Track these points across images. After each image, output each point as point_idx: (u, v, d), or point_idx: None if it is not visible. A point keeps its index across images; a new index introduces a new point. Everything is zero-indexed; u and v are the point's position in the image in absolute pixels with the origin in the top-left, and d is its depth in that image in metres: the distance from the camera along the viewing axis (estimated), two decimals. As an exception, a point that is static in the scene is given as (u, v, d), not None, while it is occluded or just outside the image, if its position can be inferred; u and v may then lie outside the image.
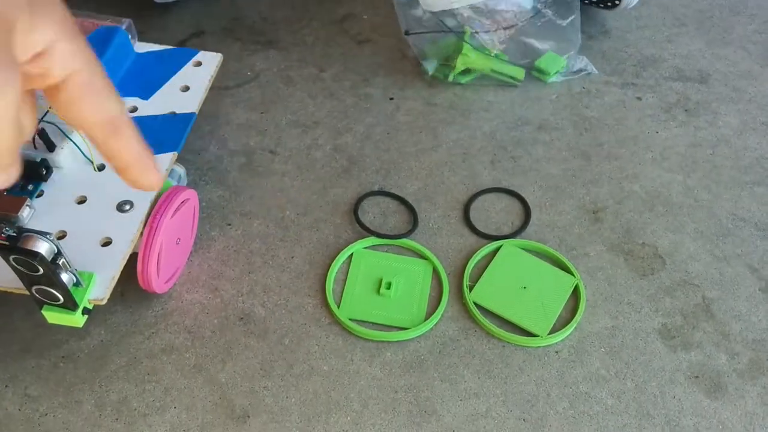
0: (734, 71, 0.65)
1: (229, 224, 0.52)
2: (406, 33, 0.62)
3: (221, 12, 0.68)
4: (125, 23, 0.51)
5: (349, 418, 0.42)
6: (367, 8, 0.69)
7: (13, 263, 0.35)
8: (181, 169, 0.50)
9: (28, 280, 0.36)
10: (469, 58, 0.61)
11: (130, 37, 0.51)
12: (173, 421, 0.42)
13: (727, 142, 0.59)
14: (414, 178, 0.55)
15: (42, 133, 0.44)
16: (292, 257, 0.50)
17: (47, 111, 0.45)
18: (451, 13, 0.61)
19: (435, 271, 0.49)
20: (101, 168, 0.45)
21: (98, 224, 0.42)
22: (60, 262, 0.36)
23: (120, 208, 0.43)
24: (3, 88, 0.25)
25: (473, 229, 0.52)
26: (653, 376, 0.44)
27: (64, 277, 0.36)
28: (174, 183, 0.48)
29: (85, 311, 0.38)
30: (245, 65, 0.63)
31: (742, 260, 0.51)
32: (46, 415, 0.42)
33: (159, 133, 0.47)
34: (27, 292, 0.38)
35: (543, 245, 0.51)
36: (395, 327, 0.46)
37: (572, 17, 0.62)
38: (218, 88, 0.61)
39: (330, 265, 0.49)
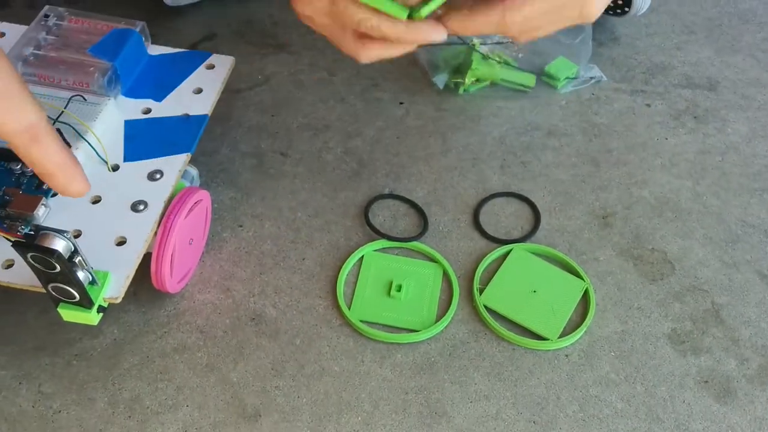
0: (743, 79, 0.65)
1: (241, 226, 0.52)
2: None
3: (233, 15, 0.69)
4: (139, 26, 0.52)
5: (359, 418, 0.43)
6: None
7: (31, 260, 0.35)
8: (194, 171, 0.50)
9: (45, 278, 0.37)
10: (478, 71, 0.61)
11: (143, 39, 0.52)
12: (185, 419, 0.42)
13: (736, 149, 0.59)
14: (424, 182, 0.56)
15: (57, 133, 0.44)
16: (303, 259, 0.50)
17: (62, 111, 0.46)
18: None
19: (445, 274, 0.50)
20: (115, 168, 0.46)
21: (113, 224, 0.42)
22: (76, 260, 0.36)
23: (134, 208, 0.43)
24: None
25: (483, 233, 0.52)
26: (663, 381, 0.45)
27: (80, 275, 0.37)
28: (187, 184, 0.48)
29: (100, 309, 0.39)
30: (256, 68, 0.64)
31: (752, 266, 0.51)
32: (60, 412, 0.42)
33: (172, 134, 0.48)
34: (42, 290, 0.38)
35: (553, 249, 0.51)
36: (406, 329, 0.47)
37: (582, 35, 0.62)
38: (230, 91, 0.62)
39: (341, 267, 0.49)
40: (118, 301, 0.39)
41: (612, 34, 0.68)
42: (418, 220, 0.53)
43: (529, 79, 0.62)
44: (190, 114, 0.49)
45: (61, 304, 0.38)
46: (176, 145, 0.47)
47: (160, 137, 0.48)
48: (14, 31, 0.51)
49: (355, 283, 0.49)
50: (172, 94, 0.51)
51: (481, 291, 0.48)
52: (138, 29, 0.51)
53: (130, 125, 0.48)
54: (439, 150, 0.58)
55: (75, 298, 0.37)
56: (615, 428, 0.42)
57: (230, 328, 0.46)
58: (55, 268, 0.35)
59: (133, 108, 0.49)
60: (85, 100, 0.48)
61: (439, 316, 0.47)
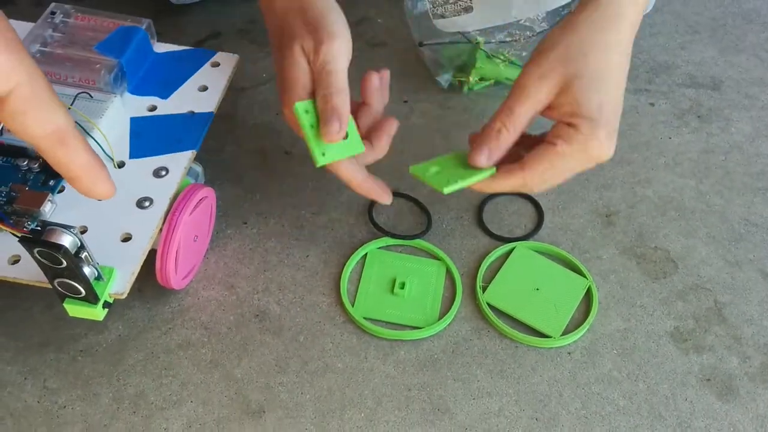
0: (747, 78, 0.65)
1: (245, 223, 0.52)
2: (420, 44, 0.62)
3: (238, 14, 0.69)
4: (145, 23, 0.52)
5: (363, 414, 0.43)
6: (381, 12, 0.70)
7: (37, 256, 0.36)
8: (199, 168, 0.51)
9: (52, 273, 0.37)
10: (482, 70, 0.61)
11: (149, 37, 0.52)
12: (189, 414, 0.42)
13: (739, 148, 0.59)
14: (427, 180, 0.56)
15: (64, 130, 0.44)
16: (307, 256, 0.51)
17: (68, 108, 0.46)
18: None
19: (448, 272, 0.50)
20: (121, 165, 0.46)
21: (118, 220, 0.43)
22: (83, 256, 0.36)
23: (140, 204, 0.43)
24: None
25: (486, 231, 0.52)
26: (665, 378, 0.45)
27: (87, 270, 0.37)
28: (192, 181, 0.48)
29: (106, 305, 0.39)
30: (260, 67, 0.64)
31: (755, 265, 0.51)
32: (65, 407, 0.43)
33: (178, 131, 0.48)
34: (48, 286, 0.38)
35: (556, 248, 0.51)
36: (409, 326, 0.47)
37: None
38: (234, 89, 0.62)
39: (344, 265, 0.50)
40: (124, 296, 0.39)
41: (616, 34, 0.68)
42: (422, 218, 0.53)
43: (533, 78, 0.62)
44: (196, 111, 0.50)
45: (66, 299, 0.38)
46: (181, 143, 0.47)
47: (166, 134, 0.48)
48: (21, 28, 0.52)
49: (359, 280, 0.49)
50: (177, 91, 0.51)
51: (484, 289, 0.48)
52: (144, 27, 0.52)
53: (135, 122, 0.49)
54: (443, 148, 0.58)
55: (81, 293, 0.37)
56: (617, 426, 0.42)
57: (234, 324, 0.47)
58: (61, 263, 0.35)
59: (139, 105, 0.50)
60: (92, 97, 0.48)
61: (442, 314, 0.47)
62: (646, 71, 0.65)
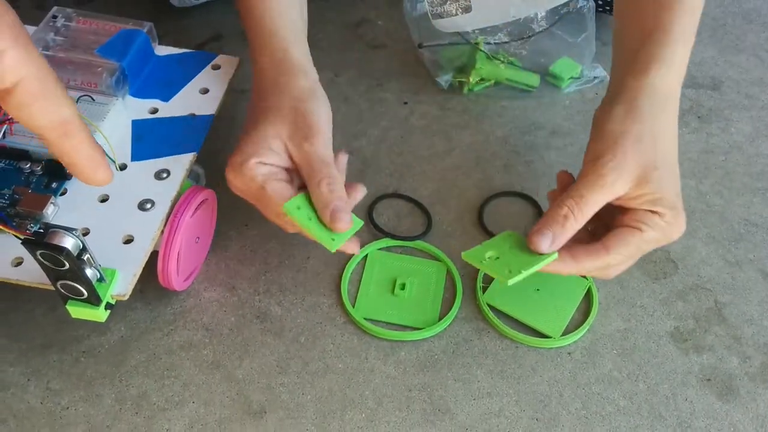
0: (747, 78, 0.65)
1: (246, 225, 0.53)
2: (419, 46, 0.63)
3: (239, 16, 0.69)
4: (146, 26, 0.52)
5: (363, 415, 0.43)
6: (381, 14, 0.70)
7: (40, 258, 0.36)
8: (200, 170, 0.51)
9: (54, 275, 0.37)
10: (482, 70, 0.62)
11: (151, 40, 0.53)
12: (191, 415, 0.43)
13: (739, 148, 0.59)
14: (428, 181, 0.56)
15: (66, 133, 0.45)
16: (308, 258, 0.51)
17: (71, 111, 0.46)
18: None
19: (449, 273, 0.50)
20: (123, 168, 0.46)
21: (120, 222, 0.43)
22: (85, 258, 0.37)
23: (141, 206, 0.44)
24: None
25: (487, 231, 0.53)
26: (665, 379, 0.45)
27: (89, 272, 0.37)
28: (193, 183, 0.49)
29: (108, 306, 0.39)
30: (262, 69, 0.64)
31: (755, 265, 0.51)
32: (68, 408, 0.43)
33: (179, 134, 0.48)
34: (50, 288, 0.39)
35: (556, 248, 0.51)
36: (409, 327, 0.47)
37: (585, 34, 0.63)
38: (235, 91, 0.62)
39: (345, 266, 0.50)
40: (126, 298, 0.39)
41: (616, 34, 0.68)
42: (422, 219, 0.54)
43: (533, 79, 0.62)
44: (197, 114, 0.50)
45: (69, 301, 0.39)
46: (183, 145, 0.48)
47: (167, 137, 0.48)
48: (23, 32, 0.52)
49: (359, 281, 0.49)
50: (178, 94, 0.51)
51: (484, 289, 0.49)
52: (145, 30, 0.52)
53: (137, 125, 0.49)
54: (443, 149, 0.59)
55: (83, 295, 0.38)
56: (617, 426, 0.43)
57: (236, 325, 0.47)
58: (64, 265, 0.36)
59: (141, 108, 0.50)
60: (94, 100, 0.48)
61: (443, 314, 0.48)
62: (645, 72, 0.65)
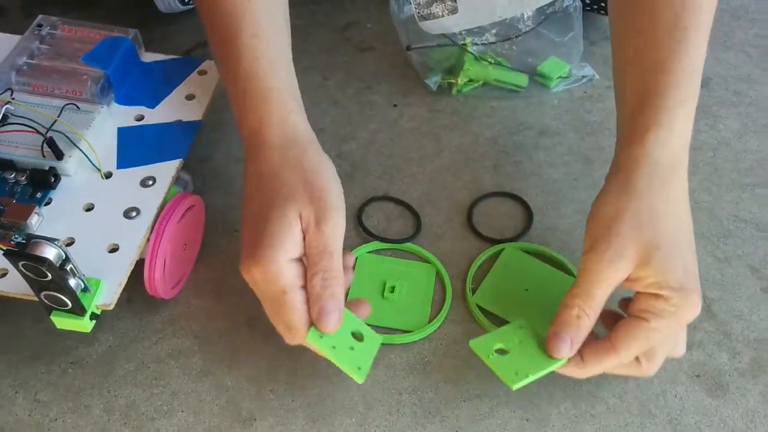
0: (735, 75, 0.65)
1: (236, 230, 0.52)
2: (408, 48, 0.63)
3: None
4: (131, 33, 0.52)
5: (353, 419, 0.43)
6: (369, 16, 0.70)
7: (22, 269, 0.36)
8: (187, 176, 0.51)
9: (37, 286, 0.37)
10: (470, 71, 0.62)
11: (136, 47, 0.52)
12: (180, 424, 0.42)
13: (727, 144, 0.59)
14: (417, 183, 0.56)
15: (50, 142, 0.45)
16: (297, 262, 0.51)
17: (55, 120, 0.46)
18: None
19: (438, 275, 0.50)
20: (108, 176, 0.46)
21: (105, 231, 0.43)
22: (68, 268, 0.37)
23: (127, 215, 0.44)
24: None
25: (476, 232, 0.53)
26: (655, 376, 0.44)
27: (72, 282, 0.37)
28: (180, 190, 0.48)
29: (93, 316, 0.39)
30: (249, 74, 0.64)
31: (743, 261, 0.51)
32: (56, 420, 0.43)
33: (165, 141, 0.48)
34: (36, 299, 0.39)
35: (545, 248, 0.51)
36: (399, 330, 0.47)
37: (572, 33, 0.63)
38: (222, 97, 0.61)
39: (334, 270, 0.50)
40: (111, 308, 0.39)
41: (604, 33, 0.68)
42: (412, 221, 0.54)
43: (522, 79, 0.62)
44: (183, 120, 0.50)
45: (53, 311, 0.38)
46: (169, 152, 0.48)
47: (153, 144, 0.48)
48: (8, 40, 0.52)
49: (349, 285, 0.49)
50: (165, 100, 0.51)
51: (473, 291, 0.49)
52: (131, 37, 0.52)
53: (123, 132, 0.49)
54: (433, 151, 0.59)
55: (67, 305, 0.38)
56: (607, 424, 0.43)
57: (225, 333, 0.47)
58: (46, 276, 0.35)
59: (126, 115, 0.50)
60: (79, 108, 0.48)
61: (432, 317, 0.47)
62: (633, 69, 0.65)
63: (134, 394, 0.44)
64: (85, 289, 0.38)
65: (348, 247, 0.51)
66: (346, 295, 0.44)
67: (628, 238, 0.38)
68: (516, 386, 0.39)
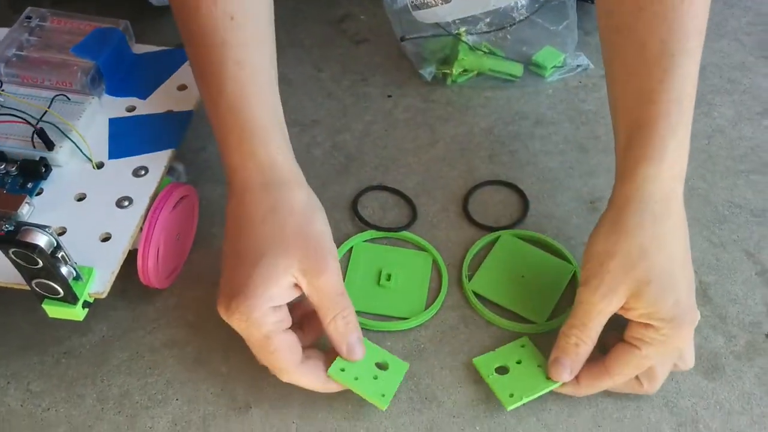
0: (728, 63, 0.65)
1: (229, 221, 0.52)
2: (402, 39, 0.62)
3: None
4: (122, 25, 0.52)
5: (350, 406, 0.42)
6: (364, 9, 0.70)
7: (13, 257, 0.35)
8: (180, 167, 0.50)
9: (28, 274, 0.37)
10: (465, 61, 0.61)
11: (127, 38, 0.52)
12: (175, 413, 0.42)
13: (722, 132, 0.59)
14: (412, 173, 0.56)
15: (41, 133, 0.44)
16: (292, 252, 0.50)
17: (46, 111, 0.46)
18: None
19: (434, 263, 0.50)
20: (100, 166, 0.46)
21: (98, 220, 0.42)
22: (59, 255, 0.36)
23: (119, 204, 0.43)
24: None
25: (472, 221, 0.52)
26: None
27: (64, 270, 0.37)
28: (174, 180, 0.48)
29: (86, 305, 0.39)
30: (243, 66, 0.64)
31: (739, 245, 0.51)
32: (49, 410, 0.42)
33: (157, 131, 0.48)
34: (26, 288, 0.38)
35: (541, 235, 0.51)
36: (396, 317, 0.47)
37: (566, 22, 0.63)
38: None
39: (329, 259, 0.49)
40: (104, 296, 0.39)
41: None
42: (407, 210, 0.53)
43: (517, 69, 0.62)
44: (175, 110, 0.49)
45: (45, 300, 0.38)
46: (161, 142, 0.47)
47: (145, 134, 0.48)
48: (-3, 33, 0.52)
49: (345, 273, 0.49)
50: (156, 91, 0.51)
51: (469, 278, 0.48)
52: (121, 28, 0.52)
53: (114, 123, 0.49)
54: (428, 141, 0.58)
55: (59, 293, 0.37)
56: (604, 407, 0.42)
57: (219, 323, 0.46)
58: (37, 263, 0.35)
59: (118, 106, 0.50)
60: (69, 99, 0.48)
61: (429, 304, 0.47)
62: (627, 58, 0.65)
63: (128, 383, 0.43)
64: (77, 278, 0.38)
65: (343, 236, 0.51)
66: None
67: (619, 276, 0.39)
68: (510, 407, 0.41)
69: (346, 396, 0.43)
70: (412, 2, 0.59)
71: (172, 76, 0.52)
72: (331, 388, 0.41)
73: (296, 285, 0.39)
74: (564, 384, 0.41)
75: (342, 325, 0.40)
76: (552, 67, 0.63)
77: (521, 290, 0.48)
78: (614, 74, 0.44)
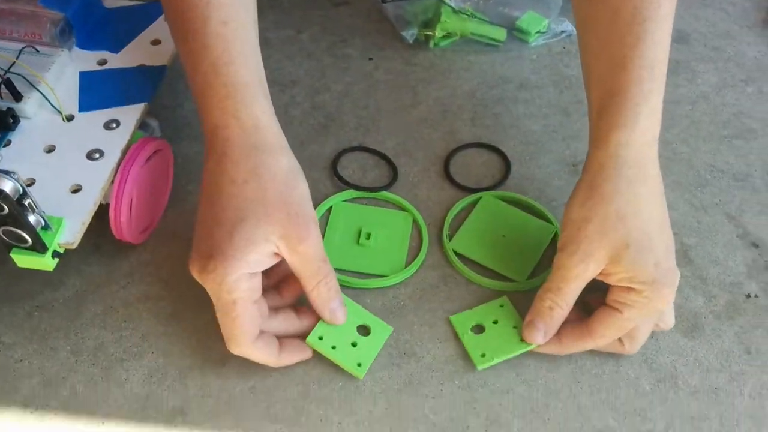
0: (713, 31, 0.65)
1: (205, 179, 0.51)
2: (384, 1, 0.61)
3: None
4: (92, -24, 0.50)
5: (328, 362, 0.42)
6: (344, -29, 0.68)
7: (-22, 203, 0.34)
8: (154, 122, 0.49)
9: (-5, 221, 0.35)
10: (448, 24, 0.60)
11: (99, -9, 0.51)
12: (150, 365, 0.41)
13: (705, 98, 0.59)
14: (393, 134, 0.55)
15: (8, 83, 0.43)
16: (270, 210, 0.49)
17: (14, 62, 0.44)
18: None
19: (415, 222, 0.49)
20: (70, 118, 0.44)
21: (67, 172, 0.41)
22: (26, 203, 0.35)
23: (90, 156, 0.42)
24: None
25: (453, 182, 0.52)
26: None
27: (32, 218, 0.36)
28: (147, 135, 0.47)
29: (56, 255, 0.38)
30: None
31: (720, 208, 0.51)
32: (21, 361, 0.41)
33: (129, 85, 0.47)
34: (-3, 240, 0.37)
35: (522, 196, 0.50)
36: (375, 275, 0.46)
37: None
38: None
39: (308, 218, 0.49)
40: (74, 246, 0.38)
41: (582, -13, 0.67)
42: (388, 171, 0.53)
43: (500, 33, 0.61)
44: (148, 65, 0.48)
45: (14, 249, 0.37)
46: (133, 96, 0.46)
47: (117, 88, 0.46)
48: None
49: (324, 233, 0.48)
50: (129, 45, 0.49)
51: (450, 237, 0.48)
52: (91, -20, 0.50)
53: (85, 77, 0.47)
54: (409, 103, 0.57)
55: (27, 242, 0.36)
56: (582, 364, 0.42)
57: (195, 280, 0.45)
58: (2, 209, 0.34)
59: (89, 59, 0.48)
60: (38, 51, 0.46)
61: (409, 263, 0.47)
62: (612, 23, 0.64)
63: (103, 336, 0.42)
64: (45, 227, 0.37)
65: (322, 196, 0.50)
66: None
67: (596, 241, 0.38)
68: (481, 367, 0.41)
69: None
70: (395, -38, 0.57)
71: (145, 30, 0.50)
72: (282, 363, 0.40)
73: (275, 253, 0.38)
74: (548, 343, 0.41)
75: (324, 292, 0.40)
76: (536, 33, 0.62)
77: (502, 249, 0.47)
78: (587, 42, 0.43)
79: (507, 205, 0.50)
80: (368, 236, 0.47)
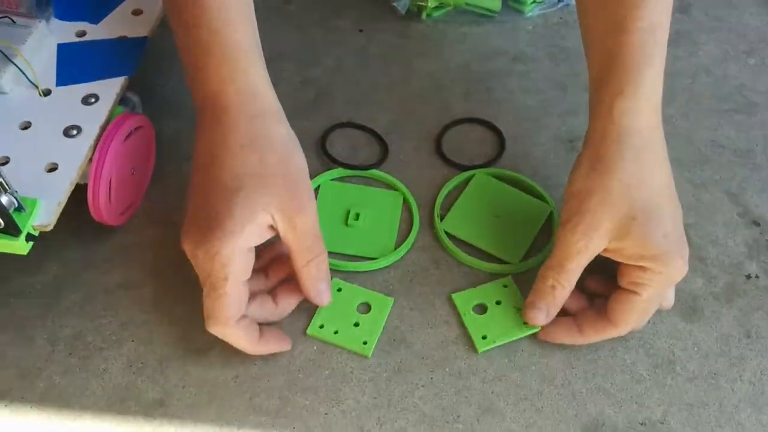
0: (715, 1, 0.63)
1: (188, 159, 0.49)
2: None
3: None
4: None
5: (315, 347, 0.41)
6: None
7: (-55, 185, 0.33)
8: (135, 98, 0.47)
9: (-36, 204, 0.34)
10: (441, -8, 0.58)
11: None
12: (130, 354, 0.40)
13: (706, 71, 0.57)
14: (385, 110, 0.53)
15: (-19, 57, 0.41)
16: (256, 190, 0.48)
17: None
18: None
19: (405, 202, 0.48)
20: (47, 93, 0.42)
21: (43, 150, 0.40)
22: (-2, 184, 0.33)
23: (67, 133, 0.40)
24: None
25: (445, 159, 0.50)
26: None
27: (4, 199, 0.34)
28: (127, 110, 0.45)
29: (30, 238, 0.36)
30: (206, -4, 0.60)
31: (720, 186, 0.49)
32: (-5, 351, 0.40)
33: (109, 57, 0.45)
34: (-33, 222, 0.35)
35: (517, 174, 0.49)
36: (364, 257, 0.45)
37: None
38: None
39: (296, 197, 0.47)
40: (49, 228, 0.36)
41: (580, -45, 0.65)
42: (378, 148, 0.51)
43: (494, 3, 0.59)
44: (129, 36, 0.46)
45: (-15, 233, 0.35)
46: (113, 69, 0.44)
47: (96, 61, 0.45)
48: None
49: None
50: (109, 16, 0.47)
51: (442, 217, 0.46)
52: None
53: (63, 49, 0.45)
54: (401, 78, 0.56)
55: (-1, 225, 0.35)
56: (577, 348, 0.41)
57: (177, 264, 0.44)
58: (-29, 191, 0.32)
59: (67, 31, 0.46)
60: (14, 22, 0.44)
61: (399, 244, 0.45)
62: (611, -7, 0.62)
63: (81, 324, 0.41)
64: (19, 208, 0.35)
65: (311, 174, 0.48)
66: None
67: (600, 214, 0.37)
68: (482, 350, 0.40)
69: (312, 338, 0.41)
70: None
71: (126, 0, 0.48)
72: (260, 351, 0.39)
73: (271, 226, 0.37)
74: (569, 336, 0.40)
75: (315, 271, 0.39)
76: (532, 3, 0.60)
77: (495, 230, 0.46)
78: (586, 5, 0.42)
79: (501, 183, 0.49)
80: (357, 217, 0.46)
